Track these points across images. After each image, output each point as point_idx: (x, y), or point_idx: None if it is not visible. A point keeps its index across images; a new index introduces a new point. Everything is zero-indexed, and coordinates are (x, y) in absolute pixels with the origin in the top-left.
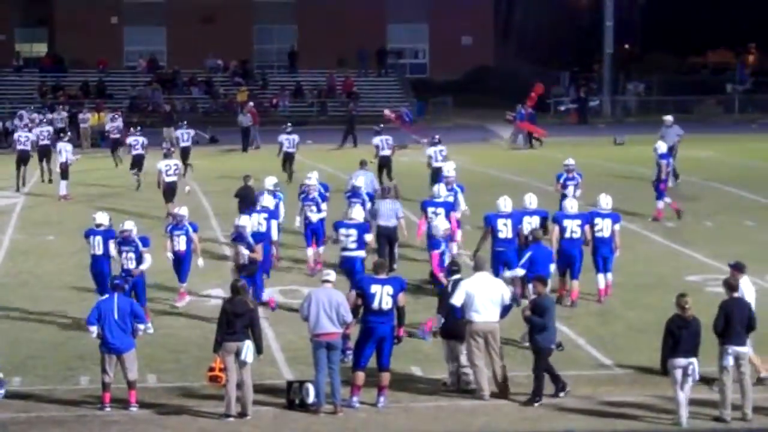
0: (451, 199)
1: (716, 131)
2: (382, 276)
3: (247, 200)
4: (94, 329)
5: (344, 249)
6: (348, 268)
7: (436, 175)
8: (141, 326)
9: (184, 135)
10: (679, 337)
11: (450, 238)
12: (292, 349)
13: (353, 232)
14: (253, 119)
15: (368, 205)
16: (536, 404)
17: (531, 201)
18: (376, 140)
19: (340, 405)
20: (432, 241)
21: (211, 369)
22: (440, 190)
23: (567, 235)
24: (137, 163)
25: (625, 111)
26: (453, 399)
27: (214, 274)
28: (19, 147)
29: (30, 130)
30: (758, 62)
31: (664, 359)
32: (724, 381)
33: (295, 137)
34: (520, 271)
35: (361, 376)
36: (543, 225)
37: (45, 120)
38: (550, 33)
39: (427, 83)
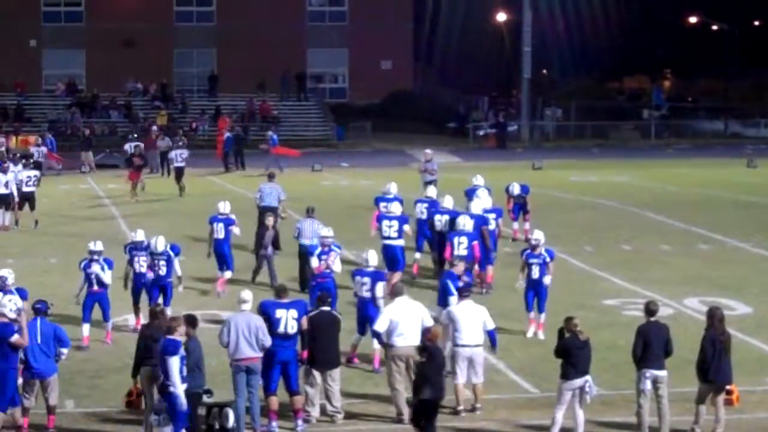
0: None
1: (633, 156)
2: (286, 300)
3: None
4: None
5: (386, 238)
6: (390, 255)
7: (179, 175)
8: (64, 350)
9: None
10: (577, 358)
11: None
12: (211, 373)
13: (395, 223)
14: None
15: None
16: None
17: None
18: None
19: (260, 430)
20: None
21: (129, 394)
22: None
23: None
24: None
25: (543, 136)
26: (372, 423)
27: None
28: None
29: None
30: (674, 88)
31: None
32: (641, 404)
33: (185, 152)
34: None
35: (274, 400)
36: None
37: None
38: (469, 58)
39: (347, 107)
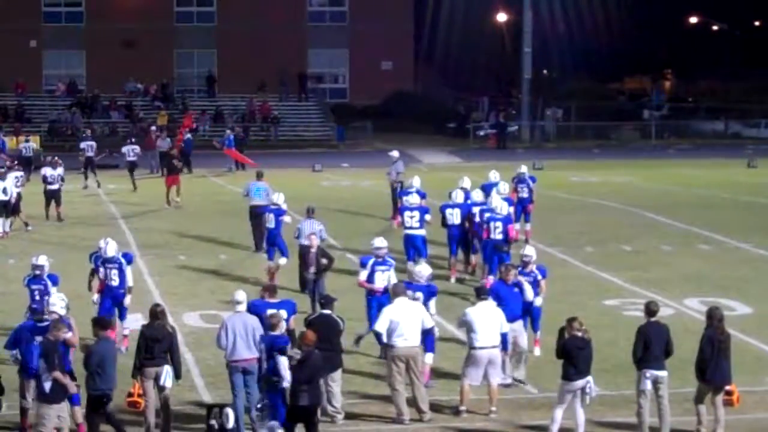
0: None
1: (634, 156)
2: (275, 300)
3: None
4: (14, 353)
5: (408, 228)
6: (412, 244)
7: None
8: None
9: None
10: (578, 358)
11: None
12: (212, 374)
13: (416, 213)
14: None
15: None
16: None
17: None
18: (83, 144)
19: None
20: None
21: (130, 394)
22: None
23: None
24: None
25: (543, 136)
26: (373, 423)
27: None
28: None
29: None
30: (674, 88)
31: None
32: (641, 404)
33: (93, 143)
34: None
35: None
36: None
37: None
38: (469, 58)
39: (347, 108)
